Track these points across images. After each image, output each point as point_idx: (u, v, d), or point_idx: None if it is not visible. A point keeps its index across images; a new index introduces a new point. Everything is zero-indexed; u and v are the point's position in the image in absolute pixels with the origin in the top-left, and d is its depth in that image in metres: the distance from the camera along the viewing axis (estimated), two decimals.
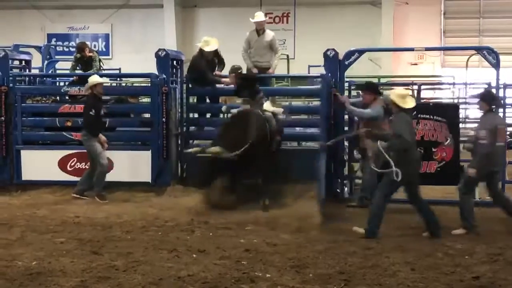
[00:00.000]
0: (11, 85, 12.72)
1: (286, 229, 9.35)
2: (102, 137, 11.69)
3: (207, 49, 12.65)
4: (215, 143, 10.48)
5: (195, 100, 13.84)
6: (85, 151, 11.85)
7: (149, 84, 12.94)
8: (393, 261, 7.78)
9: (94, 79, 11.72)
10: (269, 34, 13.38)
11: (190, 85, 13.04)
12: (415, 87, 15.04)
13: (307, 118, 13.83)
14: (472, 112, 15.72)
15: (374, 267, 7.56)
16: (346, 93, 11.73)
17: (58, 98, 13.51)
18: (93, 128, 11.61)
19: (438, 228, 9.08)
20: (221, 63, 13.07)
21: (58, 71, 16.44)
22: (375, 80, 15.00)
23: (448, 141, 10.78)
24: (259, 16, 13.41)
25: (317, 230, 9.29)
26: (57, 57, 16.76)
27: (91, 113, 11.54)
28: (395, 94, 9.32)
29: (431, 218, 9.09)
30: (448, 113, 11.09)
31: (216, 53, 12.87)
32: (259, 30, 13.26)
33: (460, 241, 8.76)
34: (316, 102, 13.42)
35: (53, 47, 18.42)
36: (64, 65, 16.25)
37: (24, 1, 24.56)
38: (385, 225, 9.24)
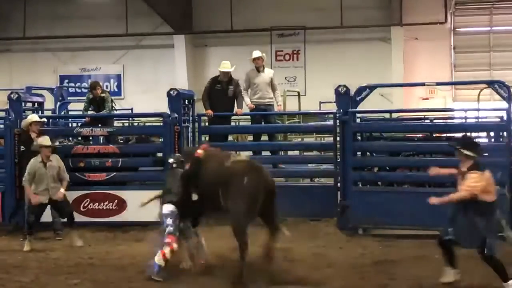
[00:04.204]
0: None
1: (301, 266, 9.27)
2: None
3: (220, 68, 13.24)
4: None
5: (207, 139, 13.88)
6: (99, 191, 12.21)
7: (161, 124, 13.01)
8: None
9: (29, 118, 12.25)
10: (270, 71, 13.65)
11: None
12: None
13: (320, 155, 13.84)
14: None
15: None
16: None
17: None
18: (24, 164, 11.80)
19: None
20: (239, 99, 13.31)
21: (70, 112, 16.54)
22: (386, 116, 14.90)
23: None
24: (256, 53, 13.64)
25: (332, 267, 9.23)
26: (69, 98, 16.92)
27: (21, 149, 12.08)
28: None
29: None
30: None
31: (236, 83, 13.26)
32: (259, 67, 13.43)
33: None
34: (328, 138, 13.41)
35: (65, 88, 18.61)
36: (76, 106, 16.33)
37: (36, 44, 24.77)
38: (403, 265, 9.21)
